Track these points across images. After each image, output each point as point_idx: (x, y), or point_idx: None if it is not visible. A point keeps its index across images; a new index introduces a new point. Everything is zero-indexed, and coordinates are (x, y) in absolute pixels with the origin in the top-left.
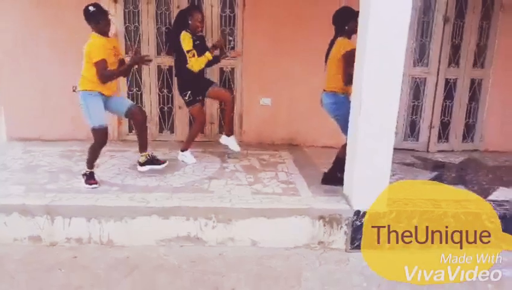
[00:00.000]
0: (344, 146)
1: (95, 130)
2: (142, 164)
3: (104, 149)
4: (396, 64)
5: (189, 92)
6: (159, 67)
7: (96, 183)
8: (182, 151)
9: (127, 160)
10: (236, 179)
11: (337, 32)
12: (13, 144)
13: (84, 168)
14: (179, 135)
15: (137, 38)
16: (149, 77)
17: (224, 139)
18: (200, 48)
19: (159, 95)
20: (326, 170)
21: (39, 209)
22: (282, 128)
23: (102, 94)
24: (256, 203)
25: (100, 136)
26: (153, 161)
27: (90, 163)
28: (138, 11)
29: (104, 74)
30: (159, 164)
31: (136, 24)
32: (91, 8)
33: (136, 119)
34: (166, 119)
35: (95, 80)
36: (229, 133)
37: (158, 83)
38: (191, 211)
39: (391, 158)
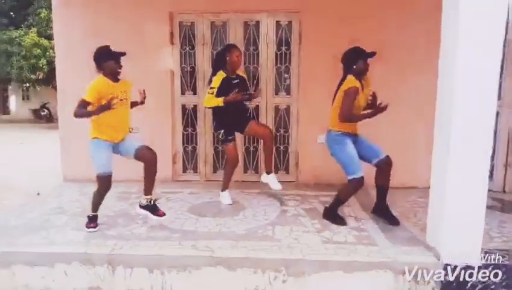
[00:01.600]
0: (345, 184)
1: (98, 177)
2: (141, 207)
3: (158, 191)
4: (489, 99)
5: (222, 131)
6: None
7: (95, 227)
8: (222, 191)
9: (183, 202)
10: (302, 224)
11: (345, 72)
12: (69, 184)
13: (90, 211)
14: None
15: (194, 79)
16: (203, 117)
17: (264, 177)
18: (237, 87)
19: (213, 134)
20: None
21: (100, 259)
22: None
23: (107, 141)
24: (330, 254)
25: (103, 183)
26: (153, 208)
27: (94, 207)
28: (194, 52)
29: (77, 111)
30: (157, 215)
31: (192, 64)
32: (95, 51)
33: (146, 159)
34: (220, 159)
35: (98, 127)
36: (269, 170)
37: (213, 123)
38: (259, 263)
39: (485, 203)
